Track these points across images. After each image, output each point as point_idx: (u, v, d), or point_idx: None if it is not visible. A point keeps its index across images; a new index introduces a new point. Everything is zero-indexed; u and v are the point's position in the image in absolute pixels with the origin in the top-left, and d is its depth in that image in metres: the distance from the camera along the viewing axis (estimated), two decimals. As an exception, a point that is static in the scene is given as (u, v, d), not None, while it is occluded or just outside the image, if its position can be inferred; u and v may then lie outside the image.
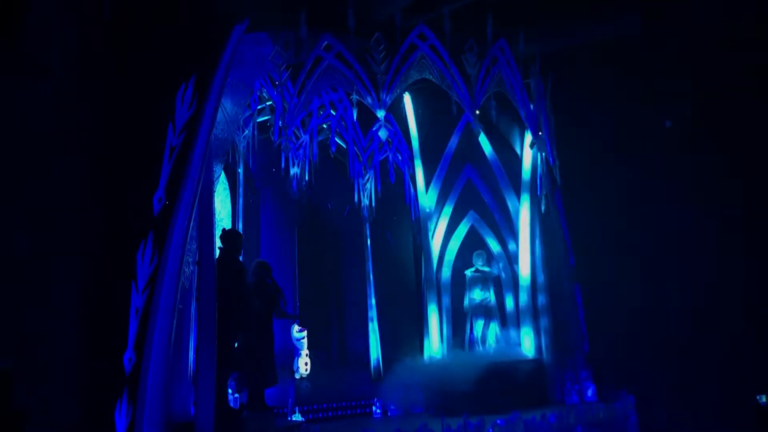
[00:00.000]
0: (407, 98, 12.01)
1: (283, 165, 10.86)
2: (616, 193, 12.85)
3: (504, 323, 11.62)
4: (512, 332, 11.45)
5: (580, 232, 11.73)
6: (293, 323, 10.80)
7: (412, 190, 12.16)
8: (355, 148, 11.80)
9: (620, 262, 12.73)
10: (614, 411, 9.75)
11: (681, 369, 12.24)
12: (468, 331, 11.57)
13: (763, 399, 10.44)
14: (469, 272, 11.83)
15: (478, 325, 11.54)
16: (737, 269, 12.54)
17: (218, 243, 8.02)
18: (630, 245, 12.86)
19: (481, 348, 11.35)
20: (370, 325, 12.02)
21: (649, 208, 12.99)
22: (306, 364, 10.82)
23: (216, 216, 8.22)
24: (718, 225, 12.73)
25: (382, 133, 11.03)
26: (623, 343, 12.12)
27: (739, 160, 12.62)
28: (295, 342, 10.84)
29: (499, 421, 8.18)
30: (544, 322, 11.03)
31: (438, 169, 12.12)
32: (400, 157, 12.21)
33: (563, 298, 11.02)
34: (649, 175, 13.04)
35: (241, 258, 8.39)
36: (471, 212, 12.10)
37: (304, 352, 10.88)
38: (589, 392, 10.56)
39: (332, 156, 11.14)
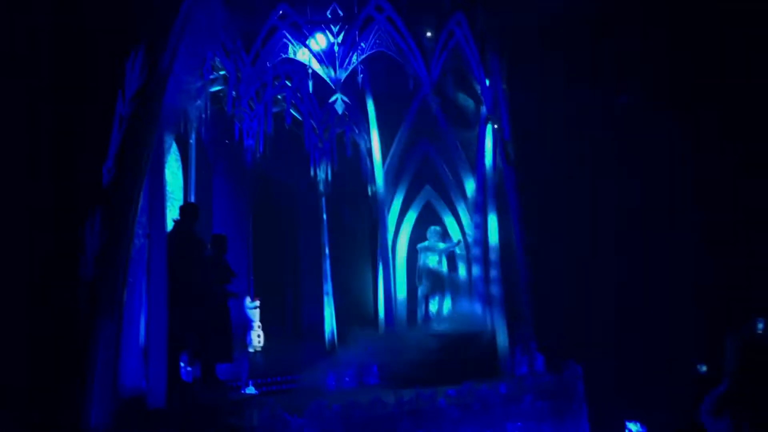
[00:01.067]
0: (364, 71, 11.95)
1: (237, 137, 10.76)
2: (567, 169, 13.10)
3: (457, 296, 11.81)
4: (465, 305, 11.64)
5: (534, 208, 11.95)
6: (245, 296, 10.77)
7: (368, 164, 12.18)
8: (312, 120, 11.72)
9: (571, 236, 13.01)
10: (562, 381, 10.05)
11: (629, 340, 12.62)
12: (422, 304, 11.72)
13: (704, 368, 10.86)
14: (423, 246, 11.95)
15: (432, 298, 11.69)
16: (686, 243, 12.93)
17: (174, 216, 7.94)
18: (581, 220, 13.16)
19: (434, 321, 11.52)
20: (325, 298, 12.07)
21: (601, 183, 13.28)
22: (259, 336, 10.79)
23: (167, 188, 8.12)
24: (667, 200, 13.12)
25: (339, 106, 10.99)
26: (573, 315, 12.45)
27: (690, 136, 12.95)
28: (247, 314, 10.81)
29: (450, 392, 8.34)
30: (495, 295, 11.24)
31: (394, 144, 12.16)
32: (357, 131, 12.20)
33: (514, 271, 11.27)
34: (601, 150, 13.31)
35: (197, 231, 8.32)
36: (427, 187, 12.18)
37: (257, 324, 10.85)
38: (539, 363, 10.84)
39: (288, 128, 11.07)
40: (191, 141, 10.43)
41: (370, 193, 12.20)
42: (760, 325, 9.46)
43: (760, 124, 12.31)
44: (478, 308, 11.47)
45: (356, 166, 12.22)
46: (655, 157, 13.05)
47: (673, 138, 12.97)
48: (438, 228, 11.93)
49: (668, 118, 12.97)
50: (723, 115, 12.65)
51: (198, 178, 10.63)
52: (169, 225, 7.74)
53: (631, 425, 10.73)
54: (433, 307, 11.61)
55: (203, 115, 10.23)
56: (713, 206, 12.98)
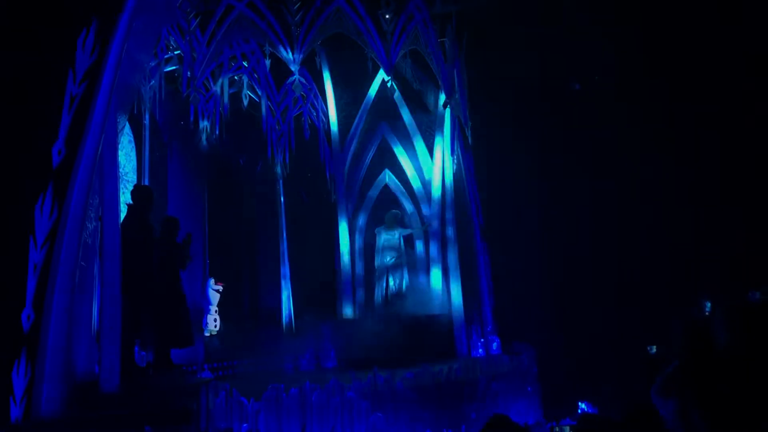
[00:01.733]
0: (323, 52, 11.88)
1: (192, 118, 10.61)
2: (524, 153, 13.27)
3: (415, 279, 11.89)
4: (423, 288, 11.74)
5: (493, 191, 12.09)
6: (208, 279, 10.70)
7: (327, 147, 12.13)
8: (269, 102, 11.62)
9: (527, 219, 13.22)
10: (517, 363, 10.25)
11: (581, 322, 12.92)
12: (380, 288, 11.77)
13: (653, 349, 11.20)
14: (380, 229, 11.98)
15: (391, 281, 11.75)
16: (636, 224, 13.23)
17: (127, 199, 7.79)
18: (537, 203, 13.38)
19: (393, 305, 11.58)
20: (283, 282, 12.05)
21: (555, 167, 13.50)
22: (215, 320, 10.75)
23: (120, 170, 7.96)
24: (618, 183, 13.39)
25: (297, 88, 10.90)
26: (527, 298, 12.70)
27: (652, 124, 13.20)
28: (209, 296, 10.74)
29: (407, 375, 8.42)
30: (453, 278, 11.36)
31: (353, 127, 12.12)
32: (315, 113, 12.12)
33: (471, 255, 11.41)
34: (556, 136, 13.52)
35: (150, 215, 8.19)
36: (386, 171, 12.23)
37: (214, 308, 10.80)
38: (494, 345, 11.04)
39: (244, 110, 10.93)
40: (145, 122, 10.24)
41: (328, 176, 12.16)
42: (708, 306, 9.79)
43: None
44: (435, 290, 11.58)
45: (314, 149, 12.15)
46: (602, 140, 13.25)
47: (629, 121, 13.18)
48: (397, 212, 11.96)
49: (626, 107, 13.19)
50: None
51: (152, 160, 10.44)
52: (123, 208, 7.60)
53: (582, 405, 11.03)
54: (392, 289, 11.64)
55: (157, 96, 10.05)
56: (662, 189, 13.30)
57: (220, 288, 10.92)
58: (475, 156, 11.79)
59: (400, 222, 11.99)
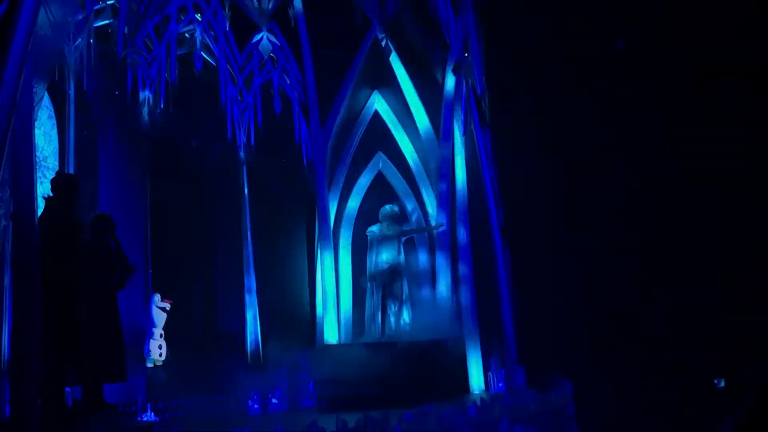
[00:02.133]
0: (299, 1, 11.83)
1: (129, 87, 10.57)
2: (556, 133, 13.22)
3: (418, 294, 11.87)
4: (428, 305, 11.72)
5: (517, 182, 12.06)
6: (152, 295, 10.75)
7: (303, 123, 12.07)
8: (229, 66, 11.57)
9: (558, 217, 13.20)
10: (548, 401, 10.22)
11: (627, 347, 12.91)
12: (373, 305, 11.73)
13: (722, 383, 11.26)
14: (374, 230, 11.93)
15: (386, 295, 11.71)
16: (706, 222, 13.21)
17: (46, 191, 7.73)
18: (570, 196, 13.35)
19: (388, 325, 11.55)
20: (248, 297, 12.01)
21: (593, 150, 13.45)
22: (161, 347, 10.74)
23: (38, 154, 7.89)
24: (688, 170, 13.35)
25: (265, 48, 10.86)
26: (560, 317, 12.68)
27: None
28: (152, 316, 10.73)
29: (407, 416, 8.40)
30: (465, 292, 11.34)
31: (337, 98, 12.07)
32: (288, 81, 12.07)
33: (489, 263, 11.38)
34: (597, 109, 13.49)
35: (77, 213, 8.14)
36: (379, 154, 12.17)
37: (159, 332, 10.78)
38: (519, 378, 11.02)
39: (198, 76, 10.90)
40: (69, 92, 10.17)
41: (305, 161, 12.10)
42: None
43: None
44: (443, 308, 11.56)
45: (288, 127, 12.06)
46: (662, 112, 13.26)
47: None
48: (395, 208, 11.90)
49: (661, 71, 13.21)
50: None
51: (79, 142, 10.34)
52: (40, 204, 7.54)
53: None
54: (388, 299, 11.59)
55: (86, 59, 9.98)
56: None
57: (167, 306, 10.90)
58: (495, 136, 11.75)
59: (400, 220, 11.95)
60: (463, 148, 11.52)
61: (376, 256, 11.79)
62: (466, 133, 11.46)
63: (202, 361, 11.44)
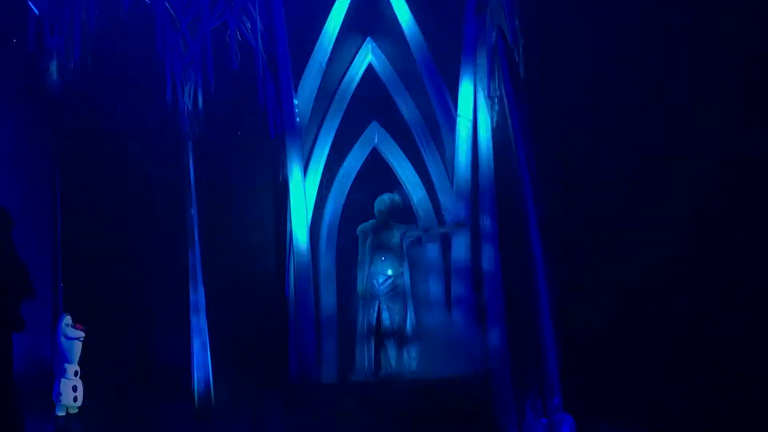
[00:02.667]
0: None
1: (32, 33, 10.59)
2: (608, 98, 13.21)
3: (427, 315, 11.93)
4: (441, 330, 11.78)
5: (566, 159, 12.08)
6: (61, 317, 10.77)
7: (269, 83, 12.08)
8: (168, 4, 11.57)
9: (618, 207, 13.24)
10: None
11: (709, 383, 12.98)
12: (366, 327, 11.79)
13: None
14: (368, 229, 11.97)
15: (385, 316, 11.77)
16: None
17: None
18: (628, 178, 13.36)
19: (386, 361, 11.61)
20: (194, 319, 12.00)
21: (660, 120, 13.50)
22: (75, 389, 10.77)
23: None
24: None
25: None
26: (617, 346, 12.69)
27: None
28: (63, 348, 10.75)
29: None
30: (492, 314, 11.38)
31: (316, 49, 12.17)
32: (248, 25, 12.07)
33: (524, 275, 11.42)
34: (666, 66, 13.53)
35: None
36: (374, 124, 12.23)
37: (73, 368, 10.81)
38: (565, 428, 11.08)
39: (124, 19, 10.90)
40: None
41: (272, 134, 12.12)
42: None
43: None
44: (461, 333, 11.62)
45: (250, 89, 12.09)
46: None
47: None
48: (396, 198, 11.94)
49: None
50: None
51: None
52: None
53: None
54: (387, 319, 11.66)
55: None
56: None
57: (82, 334, 10.87)
58: (532, 100, 11.75)
59: (402, 213, 11.98)
60: (488, 116, 11.52)
61: (370, 266, 11.85)
62: (491, 94, 11.48)
63: (132, 406, 11.45)
